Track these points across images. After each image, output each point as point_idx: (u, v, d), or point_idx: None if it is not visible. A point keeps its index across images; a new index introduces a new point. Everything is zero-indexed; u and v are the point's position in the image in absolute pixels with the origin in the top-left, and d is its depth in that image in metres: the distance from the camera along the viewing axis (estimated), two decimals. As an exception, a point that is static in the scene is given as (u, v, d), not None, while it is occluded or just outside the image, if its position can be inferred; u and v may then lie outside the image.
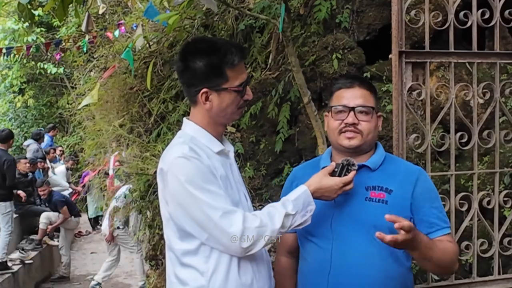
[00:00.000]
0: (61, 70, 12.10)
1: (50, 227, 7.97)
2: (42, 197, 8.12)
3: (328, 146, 2.33)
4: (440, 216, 1.88)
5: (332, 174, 1.80)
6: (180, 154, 1.69)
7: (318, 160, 2.03)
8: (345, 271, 1.79)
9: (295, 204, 1.73)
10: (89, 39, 6.68)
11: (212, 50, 1.75)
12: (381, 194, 1.83)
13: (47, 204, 8.12)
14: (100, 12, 4.45)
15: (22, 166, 7.99)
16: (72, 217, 8.22)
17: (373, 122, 1.90)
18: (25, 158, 8.41)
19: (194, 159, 1.68)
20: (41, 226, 7.91)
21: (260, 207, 1.97)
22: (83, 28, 3.90)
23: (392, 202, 1.82)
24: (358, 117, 1.86)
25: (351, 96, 1.88)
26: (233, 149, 1.90)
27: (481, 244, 2.67)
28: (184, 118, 1.86)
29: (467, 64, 3.20)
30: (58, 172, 10.31)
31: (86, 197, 10.50)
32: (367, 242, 1.79)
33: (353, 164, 1.81)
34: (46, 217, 7.90)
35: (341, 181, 1.77)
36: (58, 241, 8.27)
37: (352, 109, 1.86)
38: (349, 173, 1.79)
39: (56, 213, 7.97)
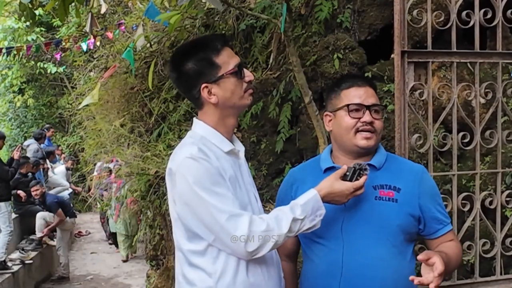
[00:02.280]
0: (61, 69, 12.09)
1: (45, 230, 7.91)
2: (35, 197, 7.97)
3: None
4: (443, 212, 1.91)
5: (343, 177, 1.78)
6: (189, 155, 1.68)
7: (318, 161, 2.00)
8: (358, 272, 1.78)
9: (303, 208, 1.71)
10: (89, 38, 6.67)
11: (195, 47, 1.79)
12: (390, 193, 1.83)
13: (42, 206, 8.02)
14: (102, 11, 4.44)
15: (29, 168, 8.00)
16: (68, 218, 8.19)
17: (383, 121, 1.90)
18: (28, 158, 8.40)
19: (203, 161, 1.67)
20: (37, 225, 7.87)
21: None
22: (87, 28, 3.90)
23: (401, 201, 1.82)
24: (372, 115, 1.85)
25: (364, 95, 1.87)
26: (243, 149, 1.89)
27: (483, 245, 2.66)
28: (194, 118, 1.85)
29: (468, 64, 3.20)
30: (58, 172, 10.29)
31: (86, 197, 10.24)
32: (378, 242, 1.79)
33: (366, 169, 1.78)
34: (41, 217, 7.87)
35: (352, 186, 1.75)
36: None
37: (368, 107, 1.85)
38: (360, 177, 1.77)
39: (51, 214, 7.94)
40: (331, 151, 1.98)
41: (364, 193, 1.81)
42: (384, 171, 1.88)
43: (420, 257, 1.64)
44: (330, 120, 1.94)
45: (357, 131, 1.85)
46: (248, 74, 1.79)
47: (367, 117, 1.84)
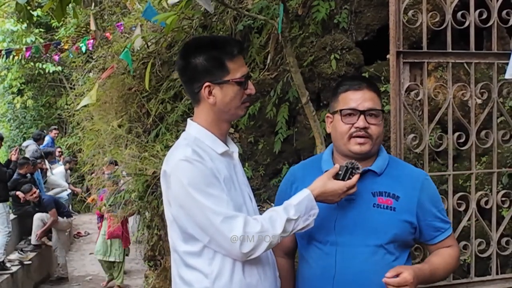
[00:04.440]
0: (59, 68, 12.11)
1: (39, 232, 7.81)
2: (34, 201, 7.80)
3: (326, 146, 2.31)
4: (443, 218, 1.89)
5: (336, 176, 1.78)
6: (183, 157, 1.69)
7: (319, 161, 1.98)
8: (351, 277, 1.78)
9: (297, 208, 1.72)
10: (89, 39, 6.67)
11: (211, 44, 1.80)
12: (389, 201, 1.81)
13: (37, 209, 7.87)
14: (92, 27, 4.49)
15: (29, 168, 7.98)
16: (65, 217, 8.17)
17: (382, 125, 1.85)
18: (28, 159, 8.38)
19: (197, 162, 1.68)
20: (34, 226, 7.82)
21: (258, 208, 1.97)
22: (92, 26, 3.94)
23: (399, 209, 1.81)
24: (368, 120, 1.81)
25: (361, 99, 1.82)
26: (237, 150, 1.89)
27: (479, 244, 2.66)
28: (188, 119, 1.86)
29: (465, 65, 3.20)
30: (57, 173, 10.29)
31: (85, 198, 10.10)
32: (374, 248, 1.79)
33: (358, 168, 1.78)
34: (39, 218, 7.82)
35: (345, 185, 1.75)
36: (54, 242, 8.23)
37: (363, 112, 1.81)
38: (353, 176, 1.77)
39: (48, 214, 7.87)
40: (333, 152, 1.96)
41: (362, 199, 1.81)
42: (385, 177, 1.86)
43: (388, 274, 1.69)
44: (331, 122, 1.92)
45: (351, 136, 1.82)
46: (251, 87, 1.81)
47: (360, 122, 1.81)
